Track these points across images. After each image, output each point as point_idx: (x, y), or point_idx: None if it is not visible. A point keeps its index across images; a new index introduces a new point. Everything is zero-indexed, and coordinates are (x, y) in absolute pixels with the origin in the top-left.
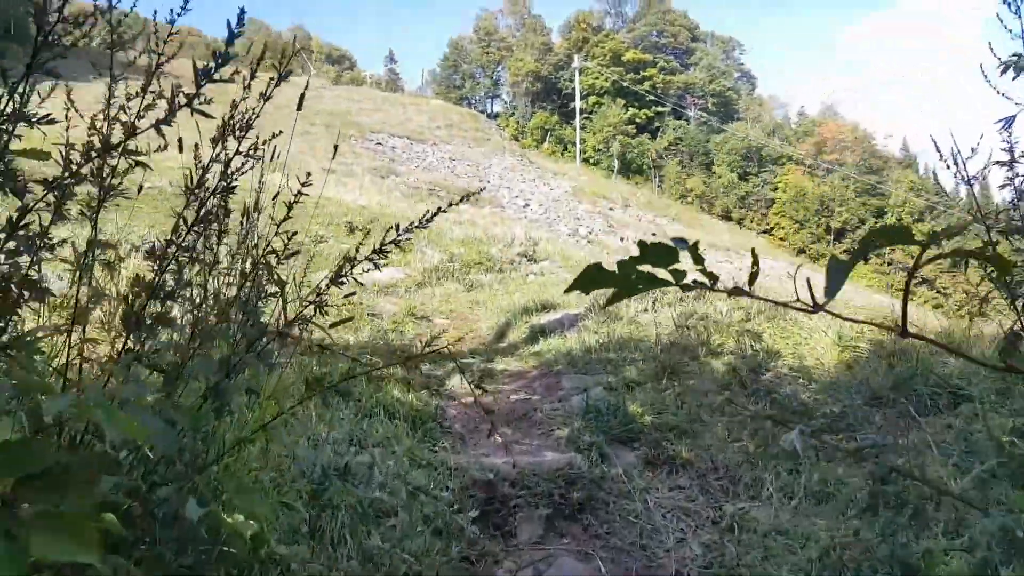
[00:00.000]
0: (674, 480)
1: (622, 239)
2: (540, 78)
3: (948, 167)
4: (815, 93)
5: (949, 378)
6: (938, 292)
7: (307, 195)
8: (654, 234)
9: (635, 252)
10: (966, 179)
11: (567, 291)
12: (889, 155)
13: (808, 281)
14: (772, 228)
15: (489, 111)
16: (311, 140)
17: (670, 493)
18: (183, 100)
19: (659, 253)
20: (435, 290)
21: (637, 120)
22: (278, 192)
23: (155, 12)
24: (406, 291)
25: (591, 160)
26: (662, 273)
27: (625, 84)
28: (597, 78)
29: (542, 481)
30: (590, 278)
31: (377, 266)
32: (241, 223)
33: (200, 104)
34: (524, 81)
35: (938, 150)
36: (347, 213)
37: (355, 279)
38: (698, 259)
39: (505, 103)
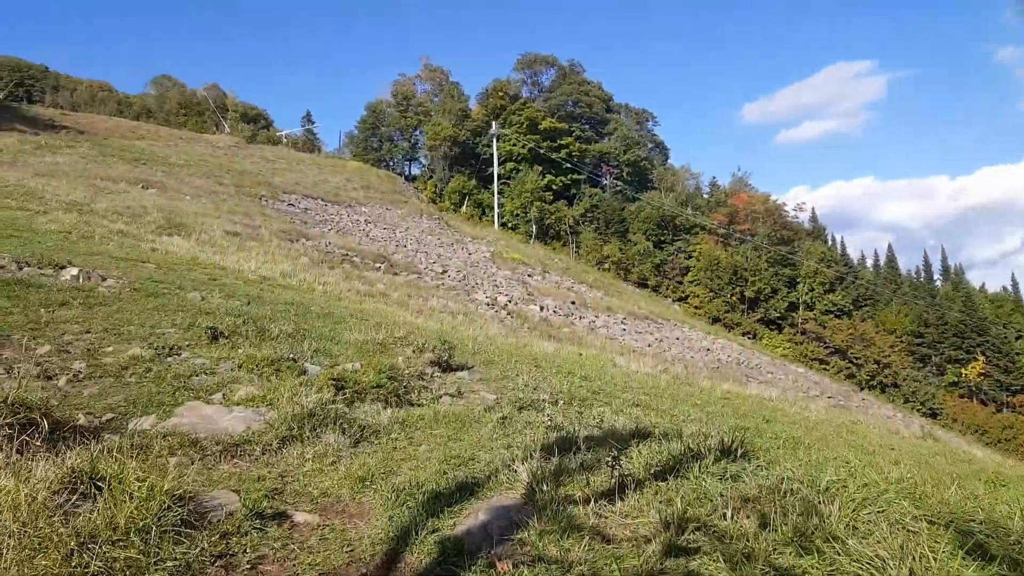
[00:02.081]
0: None
1: (542, 308)
2: (458, 143)
3: None
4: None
5: None
6: (851, 362)
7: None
8: (573, 302)
9: (554, 321)
10: None
11: None
12: (799, 227)
13: None
14: (687, 296)
15: (407, 174)
16: (218, 200)
17: None
18: None
19: None
20: (307, 449)
21: (554, 187)
22: None
23: None
24: (263, 452)
25: (509, 224)
26: None
27: (542, 152)
28: (514, 145)
29: None
30: None
31: None
32: None
33: None
34: (442, 145)
35: None
36: (231, 294)
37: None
38: None
39: (423, 166)
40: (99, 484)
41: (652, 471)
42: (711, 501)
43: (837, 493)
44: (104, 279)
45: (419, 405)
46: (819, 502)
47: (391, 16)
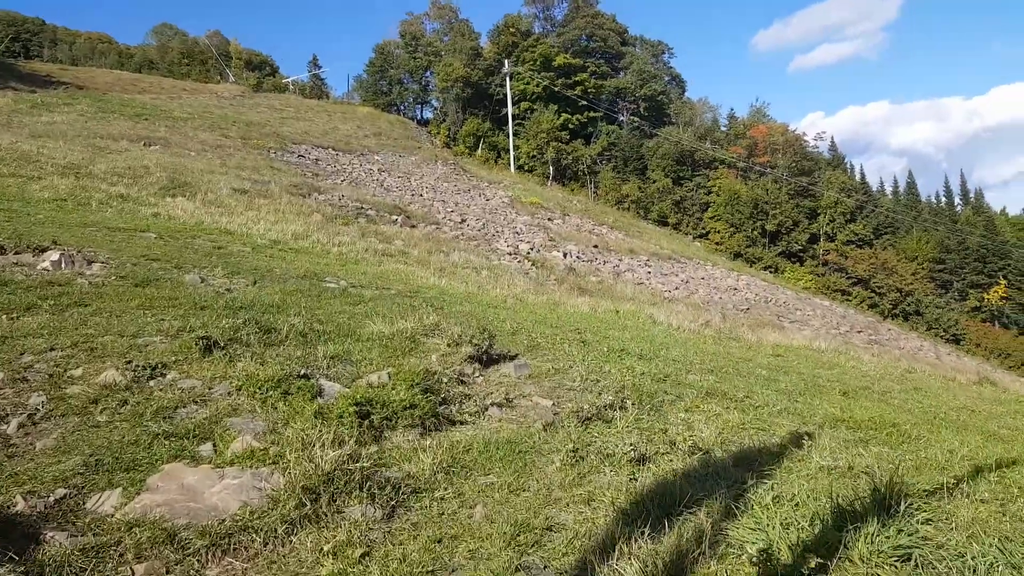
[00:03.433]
0: None
1: (565, 255)
2: (470, 84)
3: None
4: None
5: None
6: (873, 292)
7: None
8: (596, 246)
9: (580, 269)
10: None
11: None
12: (819, 156)
13: None
14: (708, 232)
15: (419, 117)
16: (224, 154)
17: None
18: None
19: None
20: (325, 534)
21: (570, 126)
22: None
23: None
24: (265, 543)
25: (526, 167)
26: None
27: (557, 89)
28: (528, 83)
29: None
30: None
31: None
32: None
33: None
34: (454, 87)
35: None
36: (236, 270)
37: None
38: None
39: (435, 109)
40: None
41: (799, 549)
42: None
43: None
44: (90, 263)
45: (462, 423)
46: None
47: None
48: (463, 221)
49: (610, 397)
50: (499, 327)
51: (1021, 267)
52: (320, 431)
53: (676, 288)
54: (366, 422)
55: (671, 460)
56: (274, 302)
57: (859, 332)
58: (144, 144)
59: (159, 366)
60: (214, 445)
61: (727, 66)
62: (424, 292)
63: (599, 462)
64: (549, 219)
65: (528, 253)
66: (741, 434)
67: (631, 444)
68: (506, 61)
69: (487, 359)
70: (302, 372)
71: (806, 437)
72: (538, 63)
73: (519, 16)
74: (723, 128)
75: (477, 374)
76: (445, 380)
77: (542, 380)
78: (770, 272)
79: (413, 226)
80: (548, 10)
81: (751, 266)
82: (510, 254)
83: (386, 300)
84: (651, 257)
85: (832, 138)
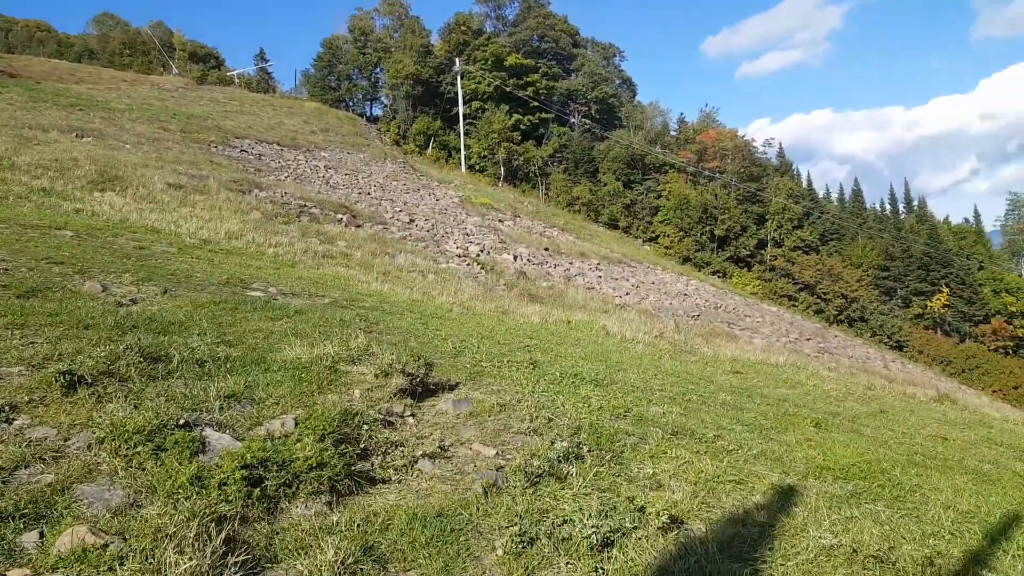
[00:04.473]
0: None
1: (515, 257)
2: (421, 81)
3: None
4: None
5: None
6: (819, 298)
7: None
8: (547, 249)
9: (530, 272)
10: None
11: None
12: (767, 163)
13: None
14: (658, 236)
15: (368, 114)
16: (162, 148)
17: None
18: None
19: None
20: None
21: (522, 126)
22: None
23: None
24: None
25: (477, 167)
26: None
27: (508, 89)
28: (480, 83)
29: None
30: None
31: None
32: None
33: None
34: (404, 84)
35: None
36: (149, 276)
37: None
38: None
39: (385, 106)
40: None
41: None
42: None
43: None
44: None
45: (384, 481)
46: None
47: None
48: (411, 221)
49: (564, 444)
50: (440, 347)
51: (961, 275)
52: (185, 515)
53: (627, 293)
54: (257, 491)
55: (641, 542)
56: (177, 319)
57: (808, 340)
58: (76, 136)
59: (6, 408)
60: (41, 534)
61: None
62: (363, 300)
63: (552, 550)
64: (500, 220)
65: (478, 256)
66: (718, 491)
67: (592, 519)
68: (457, 59)
69: (423, 390)
70: (183, 420)
71: (792, 494)
72: (489, 62)
73: (470, 15)
74: (673, 132)
75: (408, 412)
76: (368, 424)
77: (485, 419)
78: (718, 277)
79: (359, 226)
80: (499, 9)
81: (700, 270)
82: (459, 256)
83: (315, 313)
84: (602, 261)
85: (780, 144)
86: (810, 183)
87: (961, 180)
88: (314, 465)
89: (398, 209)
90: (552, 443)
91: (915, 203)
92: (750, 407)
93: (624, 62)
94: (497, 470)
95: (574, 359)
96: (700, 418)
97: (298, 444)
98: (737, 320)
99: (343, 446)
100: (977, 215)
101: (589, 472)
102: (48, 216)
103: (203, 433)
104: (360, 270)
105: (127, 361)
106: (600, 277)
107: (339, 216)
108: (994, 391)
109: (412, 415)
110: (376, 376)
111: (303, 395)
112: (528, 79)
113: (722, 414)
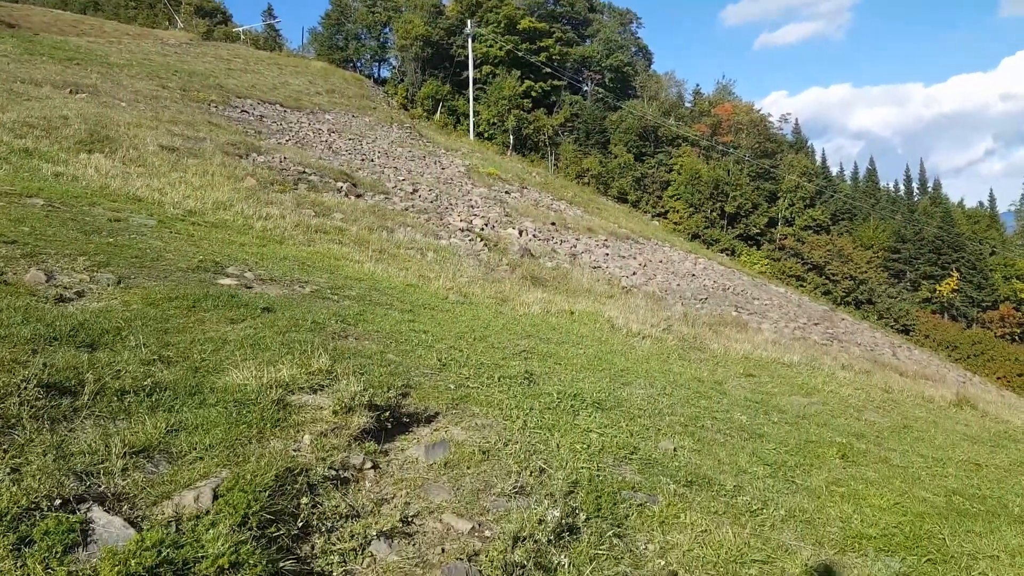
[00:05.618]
0: None
1: (520, 232)
2: (431, 43)
3: None
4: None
5: None
6: (827, 279)
7: None
8: (553, 223)
9: (535, 249)
10: None
11: None
12: (782, 139)
13: None
14: (667, 211)
15: (376, 76)
16: (159, 106)
17: None
18: None
19: None
20: None
21: (533, 93)
22: None
23: None
24: None
25: (485, 134)
26: None
27: (521, 54)
28: (491, 46)
29: None
30: None
31: None
32: None
33: None
34: (413, 45)
35: None
36: (107, 260)
37: None
38: None
39: (393, 68)
40: None
41: None
42: None
43: None
44: None
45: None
46: None
47: None
48: (415, 191)
49: (556, 514)
50: (423, 358)
51: (973, 260)
52: None
53: (634, 273)
54: None
55: None
56: (114, 325)
57: (816, 324)
58: (70, 91)
59: None
60: None
61: (694, 39)
62: (350, 288)
63: None
64: (507, 192)
65: (482, 229)
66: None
67: None
68: (469, 21)
69: (393, 425)
70: (69, 493)
71: None
72: (502, 25)
73: None
74: (688, 104)
75: (369, 463)
76: (314, 484)
77: (463, 472)
78: (727, 255)
79: (359, 195)
80: None
81: (708, 248)
82: (462, 230)
83: (287, 311)
84: (609, 237)
85: (796, 120)
86: (824, 160)
87: (976, 160)
88: (225, 567)
89: (401, 178)
90: (543, 508)
91: (930, 184)
92: (768, 432)
93: (641, 29)
94: (470, 559)
95: (575, 368)
96: (716, 456)
97: (212, 530)
98: (745, 303)
99: (273, 527)
100: (992, 199)
101: (585, 557)
102: (23, 182)
103: (89, 515)
104: (354, 247)
105: (21, 398)
106: (607, 255)
107: (339, 185)
108: (998, 377)
109: (374, 467)
110: (335, 412)
111: (237, 444)
112: (542, 43)
113: (739, 447)
